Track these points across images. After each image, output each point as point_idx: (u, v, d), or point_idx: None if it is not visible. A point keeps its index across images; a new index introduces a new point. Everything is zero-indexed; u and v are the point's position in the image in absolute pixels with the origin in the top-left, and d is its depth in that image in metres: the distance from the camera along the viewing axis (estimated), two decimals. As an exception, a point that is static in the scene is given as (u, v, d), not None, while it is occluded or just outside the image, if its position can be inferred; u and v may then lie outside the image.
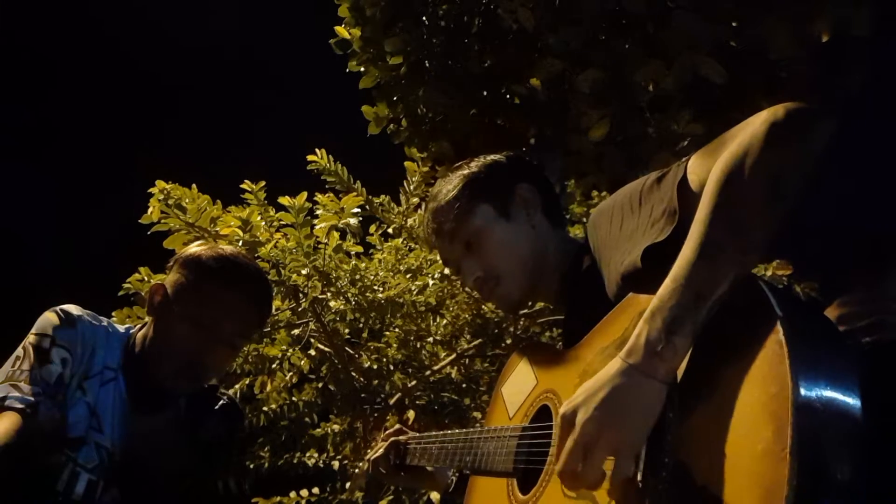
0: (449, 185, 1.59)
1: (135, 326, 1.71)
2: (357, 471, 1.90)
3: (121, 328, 1.68)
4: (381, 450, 1.83)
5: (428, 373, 3.37)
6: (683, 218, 1.12)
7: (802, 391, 0.86)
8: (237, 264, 1.65)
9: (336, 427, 3.51)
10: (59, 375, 1.52)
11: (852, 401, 0.89)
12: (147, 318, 1.69)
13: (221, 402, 1.73)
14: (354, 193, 2.97)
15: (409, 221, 3.31)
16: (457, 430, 1.62)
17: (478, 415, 3.35)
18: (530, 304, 3.10)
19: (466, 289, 3.17)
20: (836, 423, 0.87)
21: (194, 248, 1.69)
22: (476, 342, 3.38)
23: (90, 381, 1.58)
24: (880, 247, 1.20)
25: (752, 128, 1.03)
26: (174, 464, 1.63)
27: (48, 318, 1.57)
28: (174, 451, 1.63)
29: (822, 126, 1.02)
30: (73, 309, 1.61)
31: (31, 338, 1.55)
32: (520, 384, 1.45)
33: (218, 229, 2.72)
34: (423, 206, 3.31)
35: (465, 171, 1.59)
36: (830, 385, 0.89)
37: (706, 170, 1.09)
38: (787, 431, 0.84)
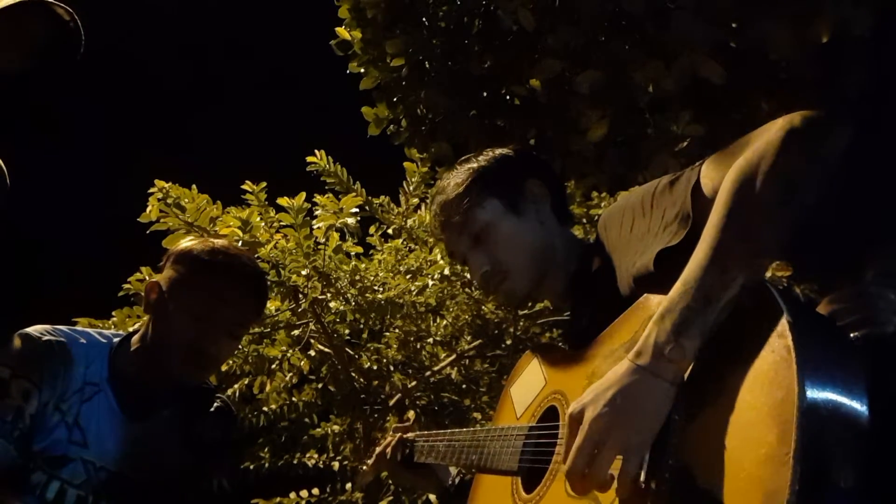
0: (457, 178, 1.57)
1: (120, 334, 1.69)
2: (364, 468, 1.89)
3: (102, 338, 1.65)
4: (389, 446, 1.84)
5: (428, 373, 3.37)
6: (696, 223, 1.12)
7: (808, 396, 0.85)
8: (229, 255, 1.64)
9: (336, 427, 3.51)
10: (17, 409, 1.49)
11: (859, 406, 0.88)
12: (144, 318, 1.68)
13: (216, 404, 1.73)
14: (353, 194, 2.97)
15: (409, 222, 3.31)
16: (465, 430, 1.63)
17: (478, 415, 3.35)
18: (530, 304, 3.11)
19: (467, 288, 3.17)
20: (841, 429, 0.87)
21: (186, 244, 1.68)
22: (476, 343, 3.38)
23: (67, 401, 1.55)
24: (873, 246, 1.20)
25: (768, 134, 1.04)
26: (171, 466, 1.62)
27: (9, 348, 1.53)
28: (170, 453, 1.63)
29: (837, 134, 1.03)
30: (37, 332, 1.57)
31: None
32: (529, 384, 1.45)
33: (217, 229, 2.73)
34: (423, 207, 3.31)
35: (474, 165, 1.57)
36: (837, 391, 0.88)
37: (720, 175, 1.10)
38: (791, 436, 0.84)
